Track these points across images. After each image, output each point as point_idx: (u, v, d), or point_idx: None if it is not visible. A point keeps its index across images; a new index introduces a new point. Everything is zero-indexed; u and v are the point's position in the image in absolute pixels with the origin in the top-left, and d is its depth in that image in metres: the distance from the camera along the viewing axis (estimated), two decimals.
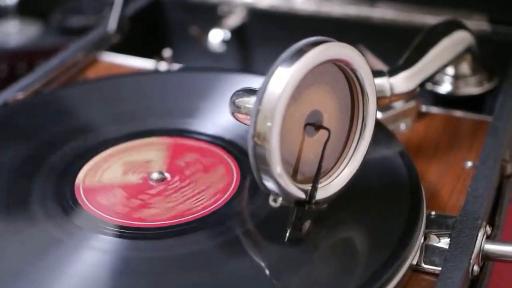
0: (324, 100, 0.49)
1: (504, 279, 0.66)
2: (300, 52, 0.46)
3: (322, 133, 0.49)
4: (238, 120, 0.54)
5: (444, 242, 0.52)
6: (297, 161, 0.49)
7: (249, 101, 0.51)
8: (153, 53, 0.79)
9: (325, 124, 0.49)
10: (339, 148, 0.51)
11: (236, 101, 0.53)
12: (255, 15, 0.87)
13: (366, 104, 0.51)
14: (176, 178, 0.56)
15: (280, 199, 0.48)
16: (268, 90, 0.46)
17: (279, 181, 0.47)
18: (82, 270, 0.48)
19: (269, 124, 0.45)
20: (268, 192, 0.48)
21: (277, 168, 0.46)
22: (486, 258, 0.52)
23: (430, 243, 0.52)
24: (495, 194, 0.61)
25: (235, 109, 0.53)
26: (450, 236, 0.52)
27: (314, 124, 0.49)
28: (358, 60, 0.48)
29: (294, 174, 0.49)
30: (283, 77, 0.45)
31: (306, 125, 0.49)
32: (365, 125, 0.51)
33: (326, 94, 0.49)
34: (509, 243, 0.52)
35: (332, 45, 0.47)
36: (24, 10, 1.09)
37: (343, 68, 0.49)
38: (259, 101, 0.46)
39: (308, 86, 0.48)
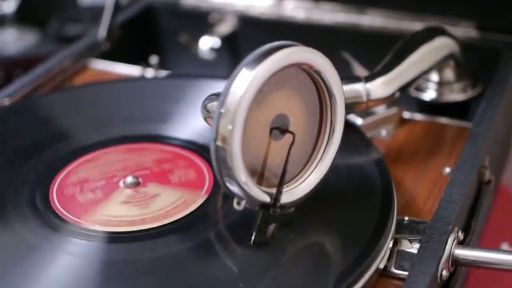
0: (290, 104, 0.49)
1: (483, 285, 0.65)
2: (264, 56, 0.46)
3: (288, 137, 0.49)
4: (209, 125, 0.54)
5: (414, 247, 0.52)
6: (263, 165, 0.49)
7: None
8: (144, 60, 0.79)
9: (291, 128, 0.49)
10: (307, 153, 0.51)
11: (208, 105, 0.54)
12: (246, 22, 0.87)
13: (335, 109, 0.51)
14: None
15: (243, 202, 0.48)
16: (230, 93, 0.46)
17: (241, 184, 0.47)
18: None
19: (230, 127, 0.45)
20: (232, 195, 0.48)
21: (240, 172, 0.46)
22: (456, 263, 0.52)
23: (401, 248, 0.52)
24: (473, 200, 0.61)
25: (207, 113, 0.54)
26: (420, 241, 0.52)
27: (279, 128, 0.49)
28: (324, 64, 0.49)
29: (260, 178, 0.49)
30: (245, 80, 0.46)
31: (271, 129, 0.49)
32: (333, 129, 0.51)
33: (292, 98, 0.49)
34: (480, 248, 0.52)
35: (296, 49, 0.47)
36: (21, 18, 1.09)
37: (310, 73, 0.49)
38: (221, 104, 0.46)
39: (273, 90, 0.48)
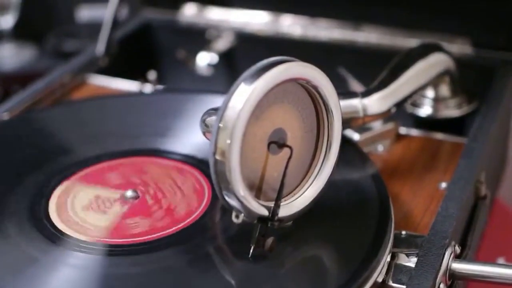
0: (288, 118, 0.50)
1: None
2: (262, 71, 0.47)
3: (286, 151, 0.49)
4: (208, 139, 0.54)
5: (412, 261, 0.52)
6: (261, 178, 0.49)
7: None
8: (142, 76, 0.80)
9: (288, 142, 0.50)
10: (304, 167, 0.52)
11: (207, 120, 0.54)
12: (243, 39, 0.87)
13: (332, 124, 0.51)
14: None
15: (242, 215, 0.48)
16: (229, 108, 0.46)
17: (240, 198, 0.47)
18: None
19: (228, 141, 0.46)
20: (230, 208, 0.49)
21: (238, 185, 0.47)
22: (453, 276, 0.52)
23: (399, 261, 0.53)
24: (469, 215, 0.61)
25: (205, 128, 0.54)
26: (417, 255, 0.52)
27: (277, 143, 0.49)
28: (321, 79, 0.49)
29: (257, 192, 0.50)
30: (244, 95, 0.46)
31: (269, 143, 0.49)
32: (330, 144, 0.51)
33: (290, 113, 0.50)
34: (477, 262, 0.52)
35: (294, 65, 0.48)
36: (19, 34, 1.10)
37: (307, 88, 0.50)
38: (220, 118, 0.46)
39: (271, 105, 0.48)
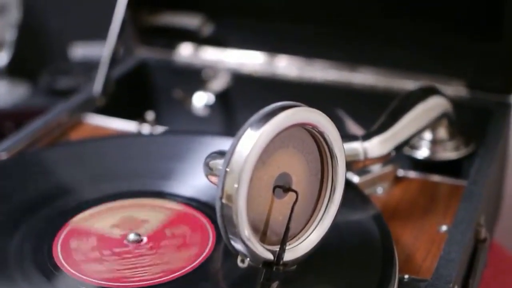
0: (293, 163, 0.50)
1: None
2: (269, 116, 0.47)
3: (291, 196, 0.50)
4: (211, 182, 0.54)
5: None
6: (266, 222, 0.50)
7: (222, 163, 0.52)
8: (138, 115, 0.80)
9: (293, 186, 0.50)
10: (308, 211, 0.52)
11: (210, 163, 0.54)
12: (239, 79, 0.88)
13: (336, 168, 0.51)
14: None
15: (247, 260, 0.48)
16: (236, 152, 0.47)
17: (246, 242, 0.47)
18: None
19: (236, 185, 0.46)
20: (236, 252, 0.49)
21: (245, 230, 0.47)
22: None
23: None
24: (469, 258, 0.61)
25: (209, 171, 0.54)
26: None
27: (282, 187, 0.49)
28: (326, 124, 0.49)
29: (262, 235, 0.50)
30: (251, 140, 0.46)
31: (275, 187, 0.49)
32: (334, 188, 0.52)
33: (295, 157, 0.50)
34: None
35: (300, 110, 0.48)
36: (13, 71, 1.10)
37: (312, 132, 0.50)
38: (227, 163, 0.47)
39: (277, 149, 0.49)
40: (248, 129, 0.47)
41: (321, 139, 0.50)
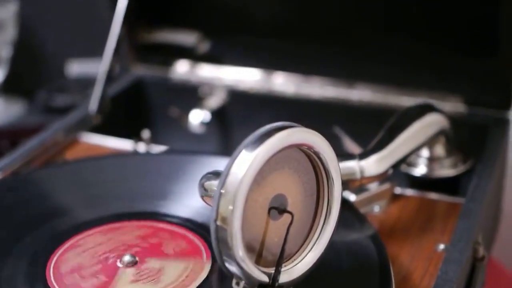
0: (288, 184, 0.49)
1: None
2: (264, 137, 0.47)
3: (286, 217, 0.49)
4: (206, 203, 0.54)
5: None
6: (261, 244, 0.49)
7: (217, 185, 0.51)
8: (134, 133, 0.79)
9: (289, 208, 0.49)
10: (304, 232, 0.52)
11: (205, 184, 0.54)
12: (235, 96, 0.88)
13: (331, 189, 0.51)
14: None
15: (243, 283, 0.48)
16: (231, 174, 0.46)
17: (241, 264, 0.47)
18: None
19: (230, 207, 0.46)
20: (231, 275, 0.48)
21: (239, 252, 0.46)
22: None
23: None
24: (467, 277, 0.61)
25: (204, 192, 0.54)
26: None
27: (278, 208, 0.49)
28: (322, 144, 0.49)
29: (258, 257, 0.49)
30: (246, 161, 0.46)
31: (270, 208, 0.49)
32: (330, 209, 0.51)
33: (290, 178, 0.49)
34: None
35: (295, 131, 0.48)
36: (9, 89, 1.10)
37: (308, 152, 0.50)
38: (222, 185, 0.46)
39: (272, 171, 0.48)
40: (243, 150, 0.47)
41: (317, 160, 0.50)
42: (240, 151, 0.47)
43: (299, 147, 0.49)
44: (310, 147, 0.49)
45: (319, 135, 0.49)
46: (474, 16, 0.76)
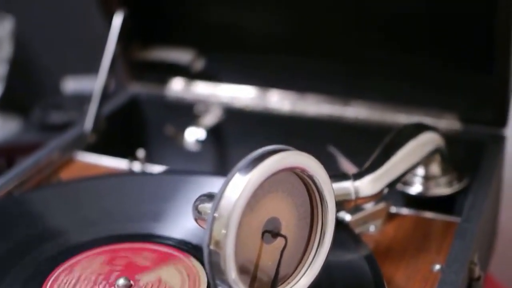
0: (282, 207, 0.49)
1: None
2: (257, 161, 0.47)
3: (280, 240, 0.49)
4: (200, 226, 0.54)
5: None
6: (255, 267, 0.49)
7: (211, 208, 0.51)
8: (130, 151, 0.79)
9: (283, 231, 0.49)
10: (298, 254, 0.51)
11: (199, 206, 0.54)
12: (231, 114, 0.88)
13: (325, 211, 0.51)
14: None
15: None
16: (224, 198, 0.46)
17: None
18: None
19: (224, 231, 0.45)
20: None
21: (233, 276, 0.46)
22: None
23: None
24: None
25: (197, 215, 0.54)
26: None
27: (271, 232, 0.49)
28: (316, 167, 0.49)
29: (252, 281, 0.49)
30: (239, 185, 0.46)
31: (263, 232, 0.49)
32: (324, 232, 0.51)
33: (284, 201, 0.49)
34: None
35: (288, 154, 0.48)
36: (4, 106, 1.10)
37: (301, 175, 0.49)
38: (215, 208, 0.46)
39: (266, 194, 0.48)
40: (237, 174, 0.47)
41: (311, 182, 0.50)
42: (234, 174, 0.47)
43: (292, 170, 0.49)
44: (303, 170, 0.49)
45: (313, 158, 0.49)
46: (469, 34, 0.76)
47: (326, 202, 0.50)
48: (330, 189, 0.50)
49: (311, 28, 0.83)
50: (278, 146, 0.48)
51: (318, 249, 0.51)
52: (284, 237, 0.49)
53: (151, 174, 0.74)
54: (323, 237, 0.51)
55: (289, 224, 0.50)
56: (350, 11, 0.80)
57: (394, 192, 0.71)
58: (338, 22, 0.82)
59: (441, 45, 0.79)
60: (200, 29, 0.88)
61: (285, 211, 0.50)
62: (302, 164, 0.48)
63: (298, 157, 0.48)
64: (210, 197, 0.53)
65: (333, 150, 0.73)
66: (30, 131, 1.07)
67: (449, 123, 0.79)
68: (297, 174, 0.50)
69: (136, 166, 0.76)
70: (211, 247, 0.46)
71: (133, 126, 0.90)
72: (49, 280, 0.56)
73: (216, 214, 0.46)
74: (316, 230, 0.51)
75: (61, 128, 0.93)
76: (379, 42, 0.81)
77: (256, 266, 0.49)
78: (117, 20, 0.84)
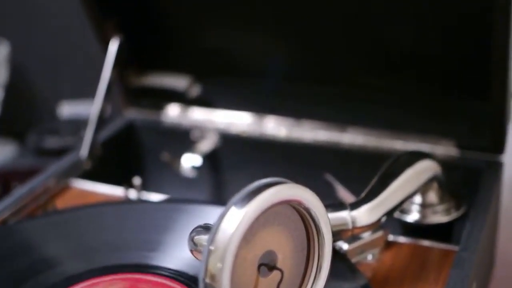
0: (278, 240, 0.49)
1: None
2: (253, 194, 0.46)
3: (276, 273, 0.49)
4: (196, 257, 0.54)
5: None
6: None
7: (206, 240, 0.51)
8: (126, 178, 0.79)
9: (279, 264, 0.49)
10: (295, 287, 0.51)
11: (195, 238, 0.53)
12: (227, 140, 0.87)
13: (322, 244, 0.50)
14: None
15: None
16: (220, 231, 0.46)
17: None
18: None
19: (219, 265, 0.45)
20: None
21: None
22: None
23: None
24: None
25: (193, 246, 0.53)
26: None
27: (267, 265, 0.49)
28: (312, 200, 0.49)
29: None
30: (235, 218, 0.46)
31: (260, 265, 0.48)
32: (321, 264, 0.51)
33: (280, 234, 0.49)
34: None
35: (285, 187, 0.47)
36: (0, 131, 1.09)
37: (298, 208, 0.49)
38: (211, 241, 0.46)
39: (262, 227, 0.48)
40: (233, 207, 0.46)
41: (307, 215, 0.49)
42: (229, 207, 0.46)
43: (289, 203, 0.48)
44: (300, 203, 0.48)
45: (309, 190, 0.49)
46: (466, 60, 0.76)
47: (323, 234, 0.50)
48: (327, 221, 0.50)
49: (307, 55, 0.83)
50: (274, 179, 0.48)
51: (315, 282, 0.51)
52: (281, 270, 0.48)
53: (146, 203, 0.73)
54: (320, 270, 0.51)
55: (286, 256, 0.50)
56: (347, 37, 0.80)
57: (391, 220, 0.70)
58: (335, 49, 0.82)
59: (438, 71, 0.79)
60: (196, 55, 0.88)
61: (281, 243, 0.49)
62: (299, 197, 0.48)
63: (294, 190, 0.48)
64: (206, 228, 0.53)
65: (329, 178, 0.72)
66: (25, 156, 1.07)
67: (446, 149, 0.79)
68: (293, 207, 0.49)
69: (132, 194, 0.76)
70: (207, 280, 0.46)
71: (129, 152, 0.90)
72: None
73: (212, 247, 0.46)
74: (313, 263, 0.51)
75: (57, 153, 0.93)
76: (376, 69, 0.81)
77: None
78: (113, 46, 0.84)
